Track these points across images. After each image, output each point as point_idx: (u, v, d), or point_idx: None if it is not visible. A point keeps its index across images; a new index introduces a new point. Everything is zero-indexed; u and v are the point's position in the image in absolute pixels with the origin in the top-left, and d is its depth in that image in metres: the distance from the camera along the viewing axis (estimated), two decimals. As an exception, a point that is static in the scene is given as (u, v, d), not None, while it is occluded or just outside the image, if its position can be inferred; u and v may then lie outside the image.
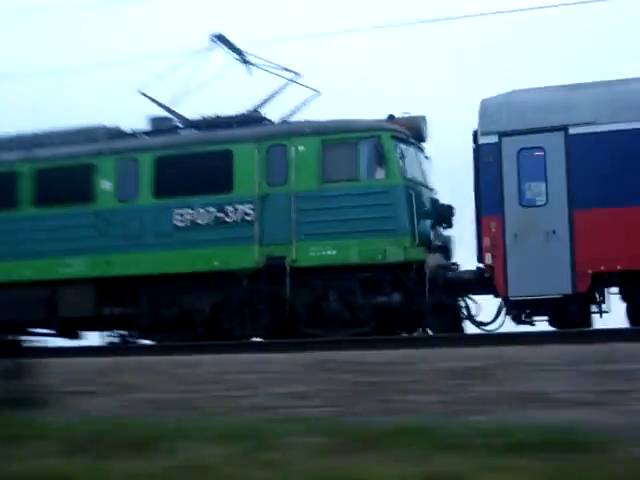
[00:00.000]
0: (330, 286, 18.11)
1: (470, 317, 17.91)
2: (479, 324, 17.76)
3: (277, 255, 18.28)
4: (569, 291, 16.23)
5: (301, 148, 18.61)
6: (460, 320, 18.15)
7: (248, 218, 18.63)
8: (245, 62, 21.35)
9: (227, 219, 18.85)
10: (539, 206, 16.78)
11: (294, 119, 20.39)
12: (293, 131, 19.17)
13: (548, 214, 16.57)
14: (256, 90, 20.97)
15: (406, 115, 19.30)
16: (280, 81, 20.77)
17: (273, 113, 20.64)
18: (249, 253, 18.51)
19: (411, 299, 17.61)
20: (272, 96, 20.69)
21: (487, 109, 17.41)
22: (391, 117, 19.18)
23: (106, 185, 20.16)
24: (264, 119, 20.51)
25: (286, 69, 20.81)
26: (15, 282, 20.16)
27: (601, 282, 16.47)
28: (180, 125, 21.10)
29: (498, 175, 17.04)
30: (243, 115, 20.33)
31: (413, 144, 19.31)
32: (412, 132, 19.18)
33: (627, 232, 15.94)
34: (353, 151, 18.36)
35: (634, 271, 15.92)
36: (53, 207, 20.40)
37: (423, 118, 19.61)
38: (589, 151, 16.42)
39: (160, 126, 21.03)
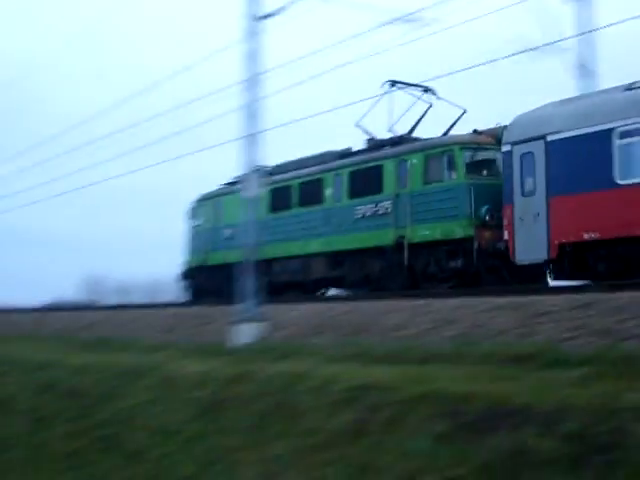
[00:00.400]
0: (432, 256, 25.94)
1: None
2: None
3: (401, 235, 26.66)
4: (545, 257, 22.31)
5: (414, 161, 26.80)
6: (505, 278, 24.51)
7: (388, 211, 27.31)
8: (426, 91, 29.70)
9: (379, 212, 27.68)
10: (531, 196, 22.86)
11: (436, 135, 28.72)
12: (410, 150, 27.49)
13: (535, 201, 22.66)
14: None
15: (494, 127, 25.89)
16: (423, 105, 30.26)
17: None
18: (389, 234, 27.19)
19: (472, 263, 24.63)
20: (422, 117, 30.10)
21: (509, 125, 24.35)
22: (475, 131, 26.83)
23: (328, 192, 30.24)
24: (409, 139, 29.17)
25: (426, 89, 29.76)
26: (287, 257, 31.32)
27: (565, 251, 21.93)
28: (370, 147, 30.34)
29: (510, 174, 23.55)
30: (395, 137, 29.41)
31: (485, 149, 26.14)
32: (495, 139, 25.55)
33: (579, 213, 20.79)
34: (439, 161, 26.18)
35: (585, 242, 20.93)
36: (305, 207, 31.14)
37: (504, 127, 25.00)
38: (558, 152, 22.12)
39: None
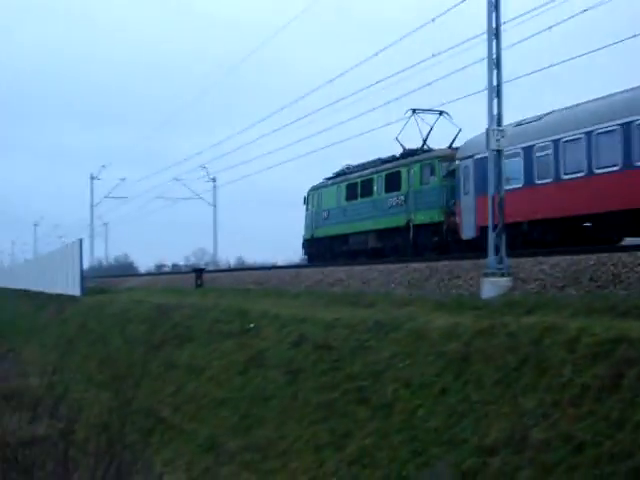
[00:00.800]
0: (425, 233, 35.01)
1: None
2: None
3: (409, 219, 35.93)
4: (474, 235, 30.25)
5: (415, 169, 36.28)
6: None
7: (403, 203, 36.69)
8: (440, 114, 38.99)
9: (399, 203, 37.08)
10: (468, 195, 31.29)
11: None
12: (414, 161, 36.80)
13: (470, 199, 31.02)
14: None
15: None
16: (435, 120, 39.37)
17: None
18: (403, 218, 36.38)
19: (445, 238, 33.60)
20: (429, 133, 39.28)
21: (460, 146, 34.08)
22: (450, 147, 36.74)
23: (375, 188, 39.65)
24: (420, 151, 38.13)
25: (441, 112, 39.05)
26: (355, 232, 41.05)
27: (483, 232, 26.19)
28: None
29: (459, 180, 32.16)
30: (410, 150, 38.66)
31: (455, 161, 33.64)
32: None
33: (486, 207, 23.32)
34: (428, 169, 35.66)
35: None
36: (364, 198, 40.51)
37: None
38: (478, 167, 29.70)
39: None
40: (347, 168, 43.74)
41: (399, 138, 39.62)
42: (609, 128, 24.56)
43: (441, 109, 38.63)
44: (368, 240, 39.94)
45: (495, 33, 21.11)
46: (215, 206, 68.44)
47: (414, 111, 38.94)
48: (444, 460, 12.23)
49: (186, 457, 18.75)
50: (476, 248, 26.98)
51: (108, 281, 71.01)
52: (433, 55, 27.66)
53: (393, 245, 37.53)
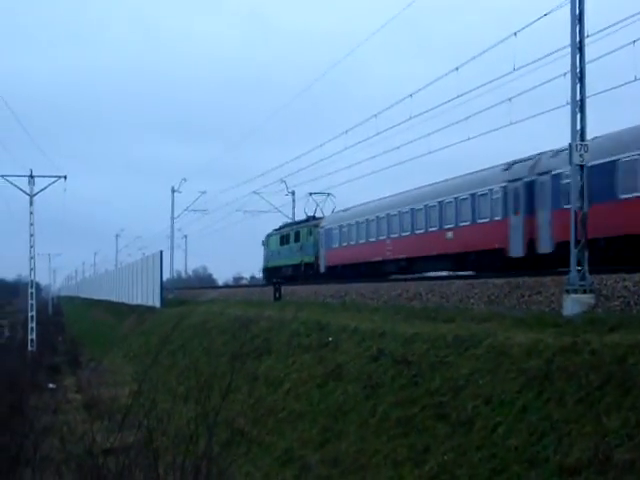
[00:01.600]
0: (307, 267, 56.58)
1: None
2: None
3: (302, 259, 56.79)
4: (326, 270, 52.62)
5: (304, 230, 56.81)
6: None
7: (300, 249, 57.68)
8: (328, 195, 62.74)
9: (298, 249, 58.14)
10: (323, 248, 54.08)
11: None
12: (304, 225, 57.80)
13: (323, 250, 54.01)
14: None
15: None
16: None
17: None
18: (299, 259, 57.86)
19: (316, 271, 53.37)
20: (316, 209, 61.99)
21: (322, 218, 56.74)
22: (313, 217, 59.86)
23: (292, 239, 59.72)
24: (311, 219, 59.05)
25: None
26: (283, 265, 61.04)
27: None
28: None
29: (319, 239, 54.26)
30: (309, 217, 60.31)
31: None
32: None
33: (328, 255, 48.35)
34: (309, 231, 55.78)
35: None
36: (290, 244, 59.79)
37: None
38: (326, 233, 52.96)
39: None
40: (284, 224, 65.86)
41: (305, 210, 62.63)
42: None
43: (328, 192, 61.81)
44: (289, 270, 58.77)
45: (579, 47, 20.89)
46: (294, 219, 68.69)
47: (311, 194, 62.44)
48: (525, 479, 12.11)
49: (264, 470, 18.85)
50: (331, 277, 48.92)
51: (187, 293, 71.78)
52: (514, 69, 27.48)
53: (297, 273, 56.52)
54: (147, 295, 63.68)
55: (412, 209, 40.45)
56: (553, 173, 29.53)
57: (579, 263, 20.23)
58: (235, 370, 20.36)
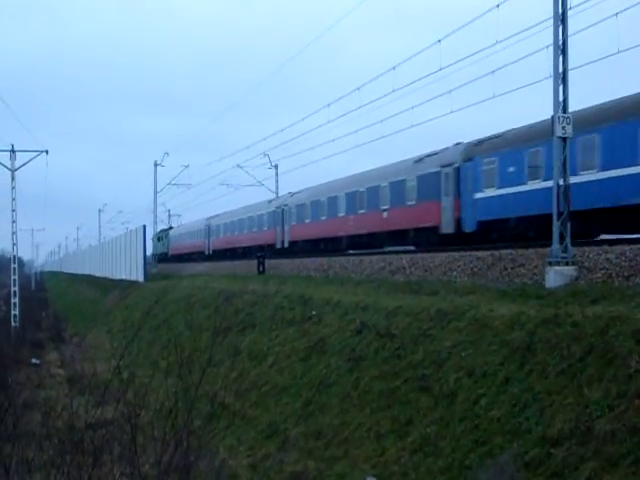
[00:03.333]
0: None
1: None
2: None
3: None
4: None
5: (164, 234, 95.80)
6: None
7: None
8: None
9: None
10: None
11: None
12: (165, 232, 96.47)
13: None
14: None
15: None
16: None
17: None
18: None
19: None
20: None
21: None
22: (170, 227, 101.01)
23: None
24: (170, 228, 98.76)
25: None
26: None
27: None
28: None
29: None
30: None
31: None
32: None
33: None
34: (165, 235, 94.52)
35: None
36: None
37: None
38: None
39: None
40: (160, 230, 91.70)
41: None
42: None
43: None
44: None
45: (562, 18, 20.82)
46: (277, 193, 68.56)
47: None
48: (508, 450, 12.14)
49: (248, 443, 18.88)
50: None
51: (171, 267, 71.67)
52: (497, 42, 27.36)
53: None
54: (130, 270, 63.55)
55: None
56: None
57: (561, 236, 20.26)
58: (217, 344, 20.37)
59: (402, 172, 38.45)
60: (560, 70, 20.74)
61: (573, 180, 21.68)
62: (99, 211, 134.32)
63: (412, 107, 36.59)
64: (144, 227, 59.87)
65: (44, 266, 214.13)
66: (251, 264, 46.44)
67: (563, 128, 20.43)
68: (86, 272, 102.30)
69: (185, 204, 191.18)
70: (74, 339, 45.92)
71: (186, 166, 78.20)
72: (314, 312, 23.86)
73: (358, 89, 38.69)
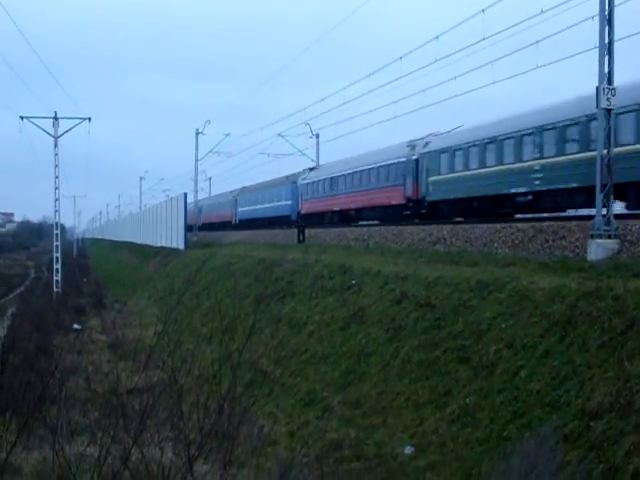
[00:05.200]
0: None
1: None
2: None
3: None
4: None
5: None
6: None
7: None
8: None
9: None
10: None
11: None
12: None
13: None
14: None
15: None
16: None
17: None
18: None
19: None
20: None
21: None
22: None
23: None
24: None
25: None
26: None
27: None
28: None
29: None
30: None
31: None
32: None
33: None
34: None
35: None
36: None
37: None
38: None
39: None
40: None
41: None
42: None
43: None
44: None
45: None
46: (318, 162, 68.47)
47: None
48: (548, 423, 12.15)
49: (287, 411, 19.02)
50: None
51: (211, 235, 72.01)
52: (542, 11, 27.06)
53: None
54: (171, 237, 63.95)
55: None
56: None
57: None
58: (259, 311, 20.48)
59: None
60: (606, 41, 20.50)
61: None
62: (140, 179, 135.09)
63: (454, 77, 36.11)
64: (185, 195, 60.14)
65: (86, 233, 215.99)
66: (290, 233, 46.57)
67: (608, 100, 20.23)
68: (127, 239, 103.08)
69: (225, 172, 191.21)
70: (115, 305, 46.38)
71: (227, 134, 78.28)
72: (354, 281, 23.92)
73: (400, 58, 38.45)
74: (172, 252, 60.14)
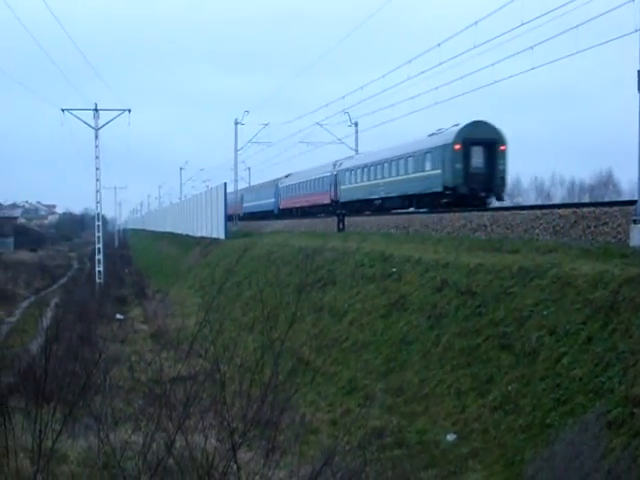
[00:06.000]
0: None
1: None
2: None
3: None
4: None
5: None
6: None
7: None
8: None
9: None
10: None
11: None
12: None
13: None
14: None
15: None
16: None
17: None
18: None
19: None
20: None
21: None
22: None
23: None
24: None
25: None
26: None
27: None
28: None
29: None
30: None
31: None
32: None
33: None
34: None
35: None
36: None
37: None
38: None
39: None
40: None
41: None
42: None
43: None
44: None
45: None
46: (357, 151, 68.39)
47: None
48: (591, 410, 12.09)
49: (329, 399, 19.08)
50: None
51: (251, 224, 72.27)
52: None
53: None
54: (211, 227, 64.22)
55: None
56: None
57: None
58: (300, 300, 20.54)
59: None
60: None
61: None
62: (180, 169, 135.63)
63: (493, 64, 35.88)
64: (225, 185, 60.33)
65: (126, 224, 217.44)
66: (329, 222, 46.62)
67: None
68: (167, 230, 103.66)
69: (265, 162, 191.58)
70: (157, 295, 46.70)
71: (266, 124, 78.44)
72: (394, 269, 23.90)
73: (439, 45, 38.19)
74: (212, 242, 60.41)
